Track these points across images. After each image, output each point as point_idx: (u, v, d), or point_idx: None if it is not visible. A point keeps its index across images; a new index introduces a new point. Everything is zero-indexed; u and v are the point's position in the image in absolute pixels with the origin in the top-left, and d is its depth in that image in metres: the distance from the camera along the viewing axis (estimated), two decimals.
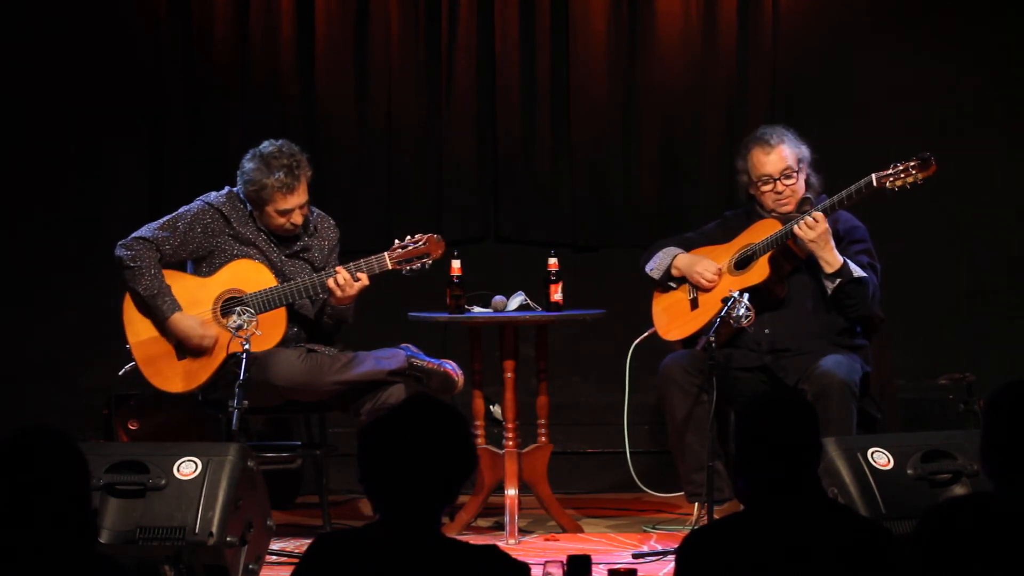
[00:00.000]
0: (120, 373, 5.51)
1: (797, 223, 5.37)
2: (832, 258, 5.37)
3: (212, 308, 5.40)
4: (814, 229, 5.34)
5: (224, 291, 5.41)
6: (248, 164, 5.46)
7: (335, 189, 6.53)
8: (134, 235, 5.42)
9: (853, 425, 5.22)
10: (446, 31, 6.75)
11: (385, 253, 5.41)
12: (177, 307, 5.35)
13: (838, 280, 5.38)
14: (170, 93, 6.77)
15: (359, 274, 5.36)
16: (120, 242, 5.41)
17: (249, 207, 5.49)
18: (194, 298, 5.41)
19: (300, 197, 5.44)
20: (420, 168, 6.82)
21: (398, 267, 5.40)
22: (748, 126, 6.17)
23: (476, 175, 6.84)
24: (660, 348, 5.70)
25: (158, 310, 5.35)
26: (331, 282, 5.34)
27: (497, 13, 6.74)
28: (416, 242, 5.42)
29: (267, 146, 5.47)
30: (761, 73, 6.78)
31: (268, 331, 5.31)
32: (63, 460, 2.60)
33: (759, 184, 5.55)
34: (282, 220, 5.45)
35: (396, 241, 5.45)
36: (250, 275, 5.42)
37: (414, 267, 5.42)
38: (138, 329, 5.41)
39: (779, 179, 5.51)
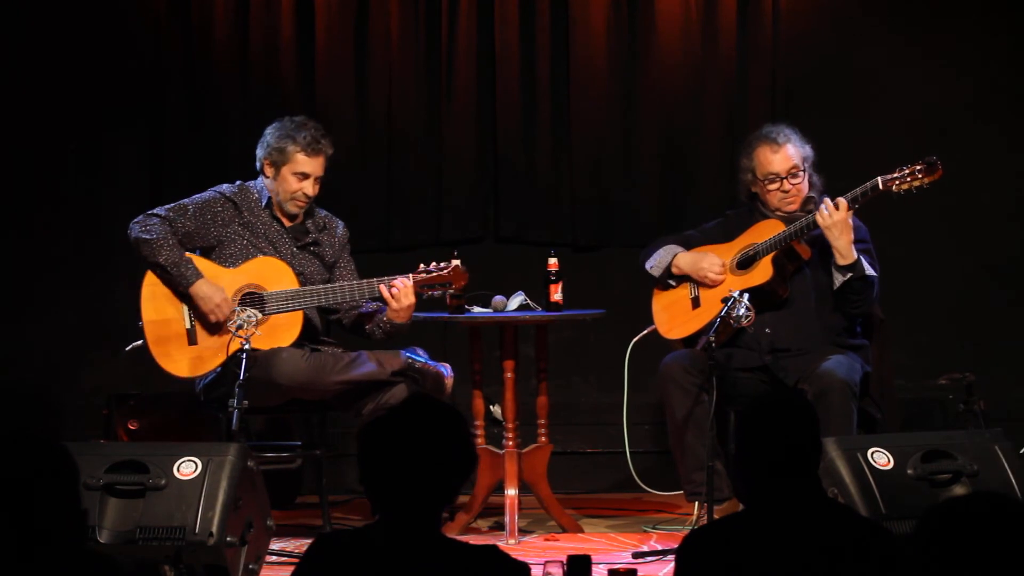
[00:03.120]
0: (127, 348, 5.51)
1: (817, 211, 5.36)
2: (847, 251, 5.36)
3: (231, 299, 5.39)
4: (834, 216, 5.33)
5: (245, 284, 5.40)
6: (273, 128, 5.53)
7: (335, 189, 6.52)
8: (147, 213, 5.43)
9: (853, 425, 5.23)
10: (446, 31, 6.75)
11: (409, 275, 5.38)
12: (200, 274, 5.35)
13: (849, 275, 5.37)
14: (170, 93, 6.77)
15: (401, 279, 5.33)
16: (133, 221, 5.41)
17: (264, 197, 5.49)
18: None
19: (319, 167, 5.50)
20: (420, 168, 6.83)
21: (420, 291, 5.39)
22: (748, 126, 6.17)
23: (476, 175, 6.84)
24: (660, 347, 5.70)
25: (182, 278, 5.33)
26: (385, 291, 5.32)
27: (497, 13, 6.75)
28: (441, 269, 5.40)
29: (295, 117, 5.55)
30: (761, 73, 6.79)
31: (282, 332, 5.32)
32: (46, 461, 2.60)
33: (765, 183, 5.54)
34: (297, 187, 5.46)
35: (420, 265, 5.42)
36: (273, 273, 5.41)
37: (434, 292, 5.42)
38: (154, 307, 5.39)
39: (786, 178, 5.51)
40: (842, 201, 5.34)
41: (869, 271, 5.39)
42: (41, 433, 2.64)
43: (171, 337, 5.38)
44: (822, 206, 5.34)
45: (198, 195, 5.52)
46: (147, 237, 5.36)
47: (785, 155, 5.52)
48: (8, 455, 2.59)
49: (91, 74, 6.76)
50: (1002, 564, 2.36)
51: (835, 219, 5.32)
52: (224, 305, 5.30)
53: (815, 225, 5.39)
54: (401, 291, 5.32)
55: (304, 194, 5.49)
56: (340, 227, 5.67)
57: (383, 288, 5.34)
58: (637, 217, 6.80)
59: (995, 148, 6.80)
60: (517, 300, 5.74)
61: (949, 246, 6.79)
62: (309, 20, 6.73)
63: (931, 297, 6.73)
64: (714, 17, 6.77)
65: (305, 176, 5.48)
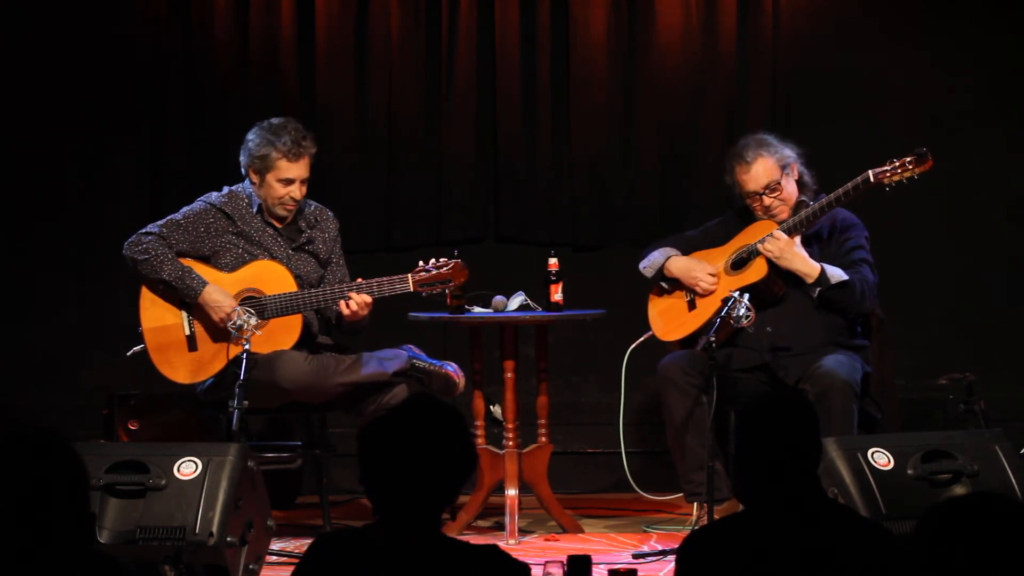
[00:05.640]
0: (128, 354, 5.51)
1: (763, 243, 5.41)
2: (807, 268, 5.40)
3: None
4: (775, 248, 5.38)
5: (243, 289, 5.40)
6: (253, 134, 5.49)
7: (335, 189, 6.53)
8: (139, 232, 5.42)
9: (854, 425, 5.23)
10: (446, 31, 6.75)
11: (409, 275, 5.37)
12: (205, 282, 5.34)
13: (818, 288, 5.40)
14: (170, 93, 6.77)
15: (365, 297, 5.33)
16: (127, 241, 5.40)
17: (255, 203, 5.48)
18: None
19: (303, 170, 5.47)
20: (420, 168, 6.82)
21: (419, 290, 5.39)
22: (748, 126, 6.17)
23: (476, 175, 6.84)
24: (658, 348, 5.70)
25: (189, 290, 5.33)
26: (344, 308, 5.32)
27: (497, 13, 6.74)
28: (440, 266, 5.39)
29: (273, 119, 5.51)
30: (761, 73, 6.78)
31: (282, 335, 5.31)
32: (61, 462, 2.61)
33: (748, 199, 5.57)
34: (283, 192, 5.45)
35: (420, 263, 5.41)
36: (271, 277, 5.40)
37: (434, 291, 5.41)
38: (153, 315, 5.40)
39: (764, 194, 5.52)
40: (777, 232, 5.37)
41: (837, 276, 5.40)
42: (54, 434, 2.64)
43: (171, 344, 5.38)
44: (766, 242, 5.37)
45: (188, 207, 5.50)
46: (145, 257, 5.35)
47: (758, 172, 5.52)
48: (22, 455, 2.59)
49: (91, 74, 6.76)
50: (1002, 564, 2.36)
51: (779, 248, 5.38)
52: (232, 317, 5.28)
53: (808, 221, 5.41)
54: (359, 307, 5.32)
55: (291, 198, 5.47)
56: (331, 218, 5.65)
57: (341, 304, 5.33)
58: (637, 217, 6.80)
59: (995, 148, 6.80)
60: (517, 300, 5.74)
61: (949, 246, 6.78)
62: (309, 20, 6.73)
63: (931, 297, 6.73)
64: (714, 17, 6.76)
65: (290, 181, 5.46)
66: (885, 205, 5.63)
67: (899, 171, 5.32)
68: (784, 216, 5.53)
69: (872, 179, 5.33)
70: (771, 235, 5.41)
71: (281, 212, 5.50)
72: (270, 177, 5.45)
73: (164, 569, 4.22)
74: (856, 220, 5.56)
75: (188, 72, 6.76)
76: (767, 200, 5.51)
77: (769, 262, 5.46)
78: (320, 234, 5.59)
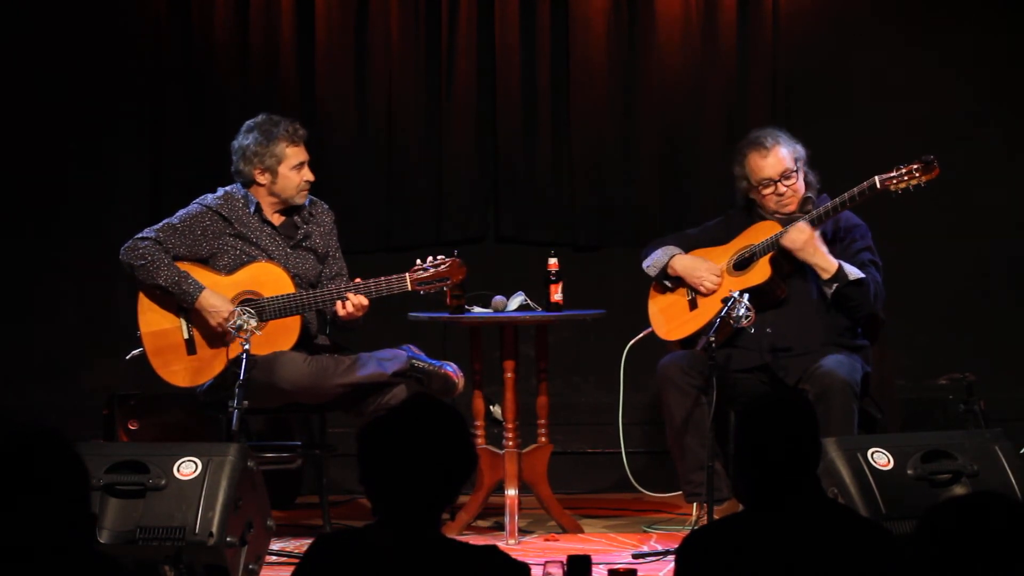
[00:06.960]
0: (128, 357, 5.51)
1: (783, 235, 5.39)
2: (826, 263, 5.38)
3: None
4: (799, 239, 5.36)
5: (241, 291, 5.40)
6: (246, 139, 5.51)
7: (335, 189, 6.53)
8: (135, 237, 5.42)
9: (854, 426, 5.22)
10: (446, 31, 6.75)
11: (406, 274, 5.38)
12: (202, 286, 5.34)
13: (835, 285, 5.39)
14: (170, 93, 6.77)
15: (363, 299, 5.34)
16: (123, 247, 5.40)
17: (251, 201, 5.49)
18: None
19: (306, 152, 5.53)
20: (420, 168, 6.82)
21: (417, 288, 5.39)
22: (748, 126, 6.16)
23: (476, 175, 6.84)
24: (659, 347, 5.70)
25: (185, 295, 5.33)
26: (340, 308, 5.33)
27: (497, 13, 6.74)
28: (437, 265, 5.39)
29: (254, 119, 5.55)
30: (761, 73, 6.79)
31: (281, 336, 5.31)
32: (62, 462, 2.61)
33: (760, 188, 5.54)
34: (299, 177, 5.49)
35: (418, 261, 5.41)
36: (269, 278, 5.41)
37: (432, 289, 5.42)
38: (151, 319, 5.40)
39: (779, 181, 5.51)
40: (802, 224, 5.36)
41: (855, 274, 5.40)
42: (56, 434, 2.64)
43: (170, 347, 5.38)
44: (787, 233, 5.37)
45: (184, 211, 5.50)
46: (141, 263, 5.35)
47: (775, 159, 5.52)
48: (22, 455, 2.59)
49: (91, 74, 6.76)
50: (1002, 564, 2.36)
51: (802, 241, 5.36)
52: (231, 317, 5.28)
53: (819, 220, 5.41)
54: (356, 309, 5.34)
55: (307, 181, 5.52)
56: (326, 211, 5.66)
57: (338, 305, 5.35)
58: (637, 217, 6.80)
59: (995, 147, 6.80)
60: (517, 300, 5.74)
61: (949, 246, 6.78)
62: (309, 20, 6.73)
63: (931, 297, 6.73)
64: (714, 17, 6.76)
65: (302, 164, 5.51)
66: (885, 205, 5.62)
67: (905, 178, 5.32)
68: (792, 210, 5.52)
69: (879, 185, 5.33)
70: (795, 226, 5.39)
71: (300, 200, 5.54)
72: (283, 168, 5.48)
73: (164, 569, 4.22)
74: (859, 221, 5.56)
75: (188, 72, 6.76)
76: (782, 187, 5.50)
77: (774, 263, 5.45)
78: (317, 228, 5.60)
